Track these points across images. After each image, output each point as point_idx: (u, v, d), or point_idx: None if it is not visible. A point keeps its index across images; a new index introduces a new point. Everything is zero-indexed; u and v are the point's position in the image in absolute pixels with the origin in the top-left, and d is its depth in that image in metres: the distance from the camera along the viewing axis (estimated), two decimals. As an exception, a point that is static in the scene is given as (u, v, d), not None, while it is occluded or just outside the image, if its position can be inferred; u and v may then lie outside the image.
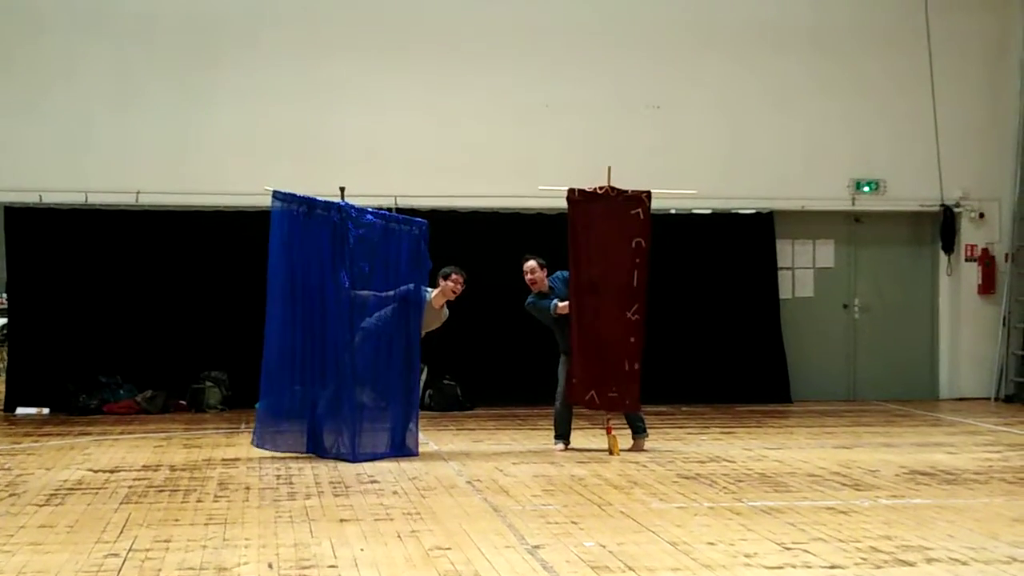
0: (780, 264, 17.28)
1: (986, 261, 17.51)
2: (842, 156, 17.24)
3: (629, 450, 11.72)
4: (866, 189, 17.32)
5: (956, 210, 17.46)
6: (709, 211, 17.08)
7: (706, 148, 16.90)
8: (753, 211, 17.16)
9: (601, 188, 11.69)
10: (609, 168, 11.69)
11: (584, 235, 11.66)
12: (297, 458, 11.12)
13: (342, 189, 11.45)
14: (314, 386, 11.23)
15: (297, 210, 11.22)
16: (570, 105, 16.66)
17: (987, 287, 17.50)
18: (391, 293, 11.30)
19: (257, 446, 11.26)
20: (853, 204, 17.38)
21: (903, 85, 17.27)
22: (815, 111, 17.16)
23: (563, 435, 11.99)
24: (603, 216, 11.63)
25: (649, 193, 11.67)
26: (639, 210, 11.60)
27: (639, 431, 11.91)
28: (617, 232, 11.59)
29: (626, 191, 11.66)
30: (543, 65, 16.72)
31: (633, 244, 11.57)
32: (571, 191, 11.75)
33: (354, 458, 10.91)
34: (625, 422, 11.95)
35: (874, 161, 17.33)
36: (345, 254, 11.04)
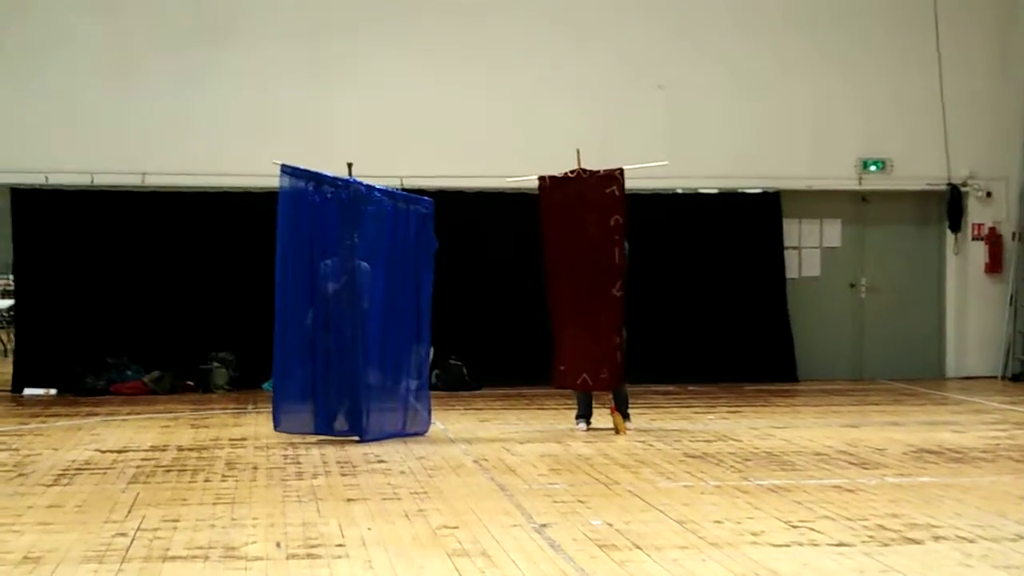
0: (787, 243, 17.24)
1: (993, 240, 17.46)
2: (849, 135, 17.19)
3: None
4: (873, 168, 17.28)
5: (963, 189, 17.41)
6: (715, 191, 17.05)
7: (712, 127, 16.86)
8: (760, 190, 17.13)
9: (572, 172, 11.74)
10: (578, 150, 11.74)
11: (559, 220, 11.73)
12: (304, 438, 11.13)
13: (350, 165, 11.39)
14: (324, 366, 11.17)
15: (305, 186, 11.18)
16: (576, 85, 16.62)
17: (994, 266, 17.46)
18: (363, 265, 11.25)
19: (279, 430, 11.14)
20: (860, 183, 17.34)
21: (911, 64, 17.20)
22: (822, 90, 17.10)
23: (585, 415, 11.98)
24: (578, 198, 11.69)
25: (622, 170, 11.69)
26: (614, 187, 11.64)
27: (625, 416, 11.87)
28: (595, 212, 11.64)
29: (598, 171, 11.69)
30: (548, 45, 16.67)
31: (612, 222, 11.61)
32: (542, 178, 11.88)
33: (362, 438, 10.93)
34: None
35: (881, 140, 17.28)
36: (355, 231, 11.03)
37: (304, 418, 11.18)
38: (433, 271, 11.57)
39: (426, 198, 11.81)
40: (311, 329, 11.13)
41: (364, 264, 11.18)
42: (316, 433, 11.16)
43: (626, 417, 11.85)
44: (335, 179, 11.23)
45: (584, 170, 11.72)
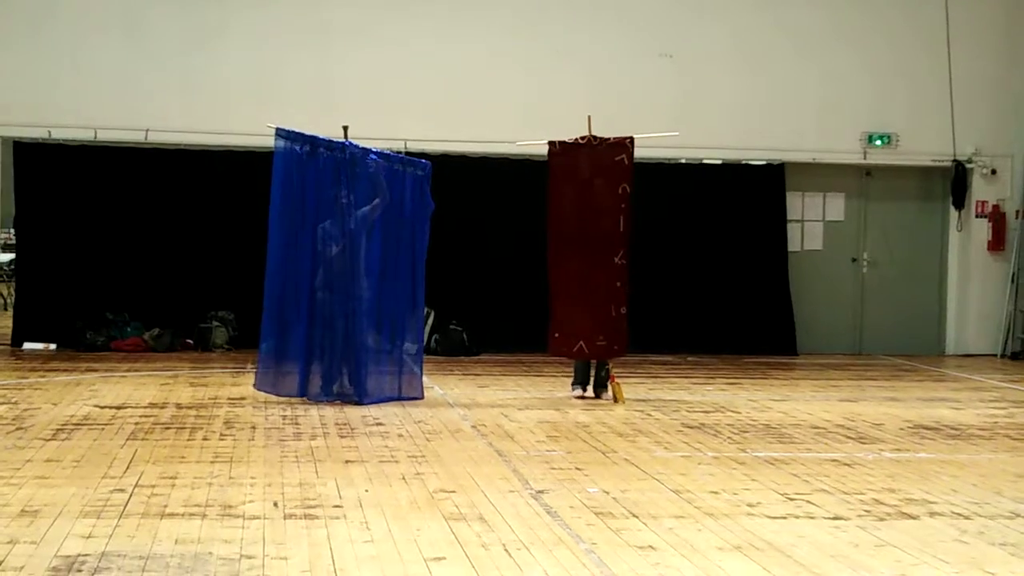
0: (790, 216, 17.22)
1: (996, 217, 17.44)
2: (855, 109, 17.14)
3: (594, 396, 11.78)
4: (878, 143, 17.24)
5: (968, 166, 17.37)
6: (720, 161, 17.02)
7: (718, 98, 16.80)
8: (764, 162, 17.10)
9: (583, 138, 11.72)
10: (589, 117, 11.72)
11: (567, 186, 11.73)
12: (304, 399, 11.12)
13: (345, 128, 11.33)
14: (317, 328, 11.15)
15: (300, 149, 11.11)
16: (583, 52, 16.56)
17: (997, 244, 17.45)
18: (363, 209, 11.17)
19: (258, 389, 11.20)
20: (865, 157, 17.30)
21: (919, 39, 17.13)
22: (829, 63, 17.04)
23: (582, 382, 11.99)
24: (587, 165, 11.70)
25: (632, 139, 11.70)
26: (623, 156, 11.64)
27: (604, 385, 11.91)
28: (603, 179, 11.66)
29: (608, 139, 11.67)
30: (556, 11, 16.60)
31: (620, 190, 11.62)
32: (552, 144, 11.88)
33: (361, 401, 10.93)
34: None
35: (887, 115, 17.23)
36: (348, 192, 10.99)
37: (289, 380, 11.11)
38: (428, 233, 11.52)
39: (423, 160, 11.75)
40: (308, 292, 11.11)
41: (363, 209, 11.09)
42: (300, 396, 11.06)
43: (604, 387, 11.86)
44: (330, 142, 11.17)
45: (594, 137, 11.70)
